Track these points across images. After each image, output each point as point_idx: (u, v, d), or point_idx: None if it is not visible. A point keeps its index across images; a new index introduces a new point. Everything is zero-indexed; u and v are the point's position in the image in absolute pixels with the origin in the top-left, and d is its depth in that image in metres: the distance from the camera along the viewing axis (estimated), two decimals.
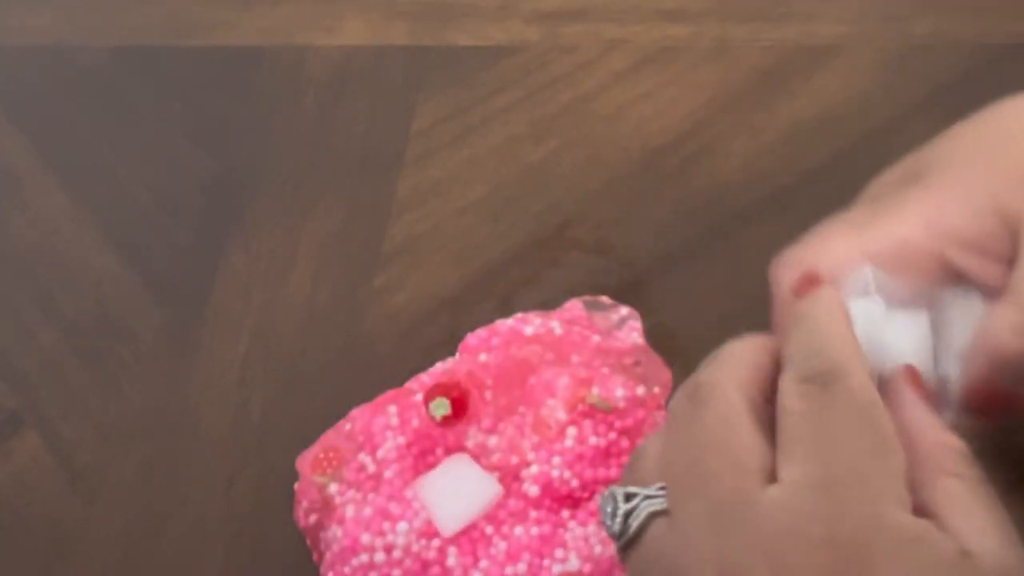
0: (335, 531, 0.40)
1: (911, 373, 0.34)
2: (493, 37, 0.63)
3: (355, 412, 0.43)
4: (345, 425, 0.43)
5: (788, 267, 0.37)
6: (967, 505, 0.30)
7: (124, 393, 0.50)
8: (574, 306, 0.46)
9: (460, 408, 0.41)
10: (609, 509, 0.32)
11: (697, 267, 0.51)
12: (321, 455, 0.42)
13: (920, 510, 0.30)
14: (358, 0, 0.66)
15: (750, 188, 0.52)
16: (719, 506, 0.30)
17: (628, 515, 0.31)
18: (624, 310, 0.45)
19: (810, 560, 0.28)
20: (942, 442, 0.32)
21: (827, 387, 0.31)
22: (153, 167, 0.58)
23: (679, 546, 0.30)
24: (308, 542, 0.43)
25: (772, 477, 0.30)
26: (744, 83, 0.58)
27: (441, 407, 0.41)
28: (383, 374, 0.46)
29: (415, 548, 0.39)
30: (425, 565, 0.39)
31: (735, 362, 0.34)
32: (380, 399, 0.43)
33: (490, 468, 0.41)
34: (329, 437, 0.43)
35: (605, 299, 0.45)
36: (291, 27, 0.65)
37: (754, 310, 0.49)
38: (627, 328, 0.44)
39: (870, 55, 0.58)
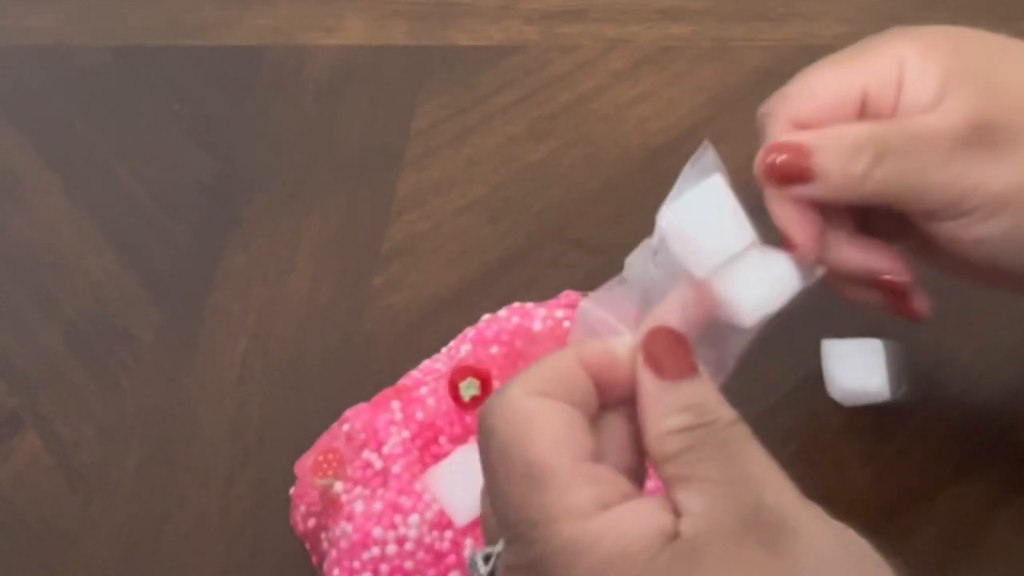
0: (343, 527, 0.40)
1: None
2: (493, 37, 0.63)
3: (349, 413, 0.43)
4: (342, 426, 0.43)
5: (781, 98, 0.41)
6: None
7: (124, 393, 0.50)
8: (570, 294, 0.46)
9: (487, 389, 0.41)
10: None
11: None
12: (320, 458, 0.42)
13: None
14: (358, 0, 0.66)
15: (750, 188, 0.52)
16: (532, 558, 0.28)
17: None
18: None
19: None
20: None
21: None
22: (153, 167, 0.58)
23: None
24: (307, 546, 0.43)
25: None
26: (744, 83, 0.58)
27: (472, 387, 0.41)
28: (382, 374, 0.46)
29: (427, 539, 0.39)
30: (439, 556, 0.39)
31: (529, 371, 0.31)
32: (377, 398, 0.43)
33: None
34: (324, 441, 0.43)
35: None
36: (291, 27, 0.65)
37: None
38: None
39: None
